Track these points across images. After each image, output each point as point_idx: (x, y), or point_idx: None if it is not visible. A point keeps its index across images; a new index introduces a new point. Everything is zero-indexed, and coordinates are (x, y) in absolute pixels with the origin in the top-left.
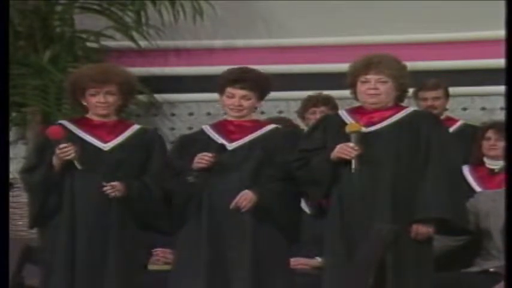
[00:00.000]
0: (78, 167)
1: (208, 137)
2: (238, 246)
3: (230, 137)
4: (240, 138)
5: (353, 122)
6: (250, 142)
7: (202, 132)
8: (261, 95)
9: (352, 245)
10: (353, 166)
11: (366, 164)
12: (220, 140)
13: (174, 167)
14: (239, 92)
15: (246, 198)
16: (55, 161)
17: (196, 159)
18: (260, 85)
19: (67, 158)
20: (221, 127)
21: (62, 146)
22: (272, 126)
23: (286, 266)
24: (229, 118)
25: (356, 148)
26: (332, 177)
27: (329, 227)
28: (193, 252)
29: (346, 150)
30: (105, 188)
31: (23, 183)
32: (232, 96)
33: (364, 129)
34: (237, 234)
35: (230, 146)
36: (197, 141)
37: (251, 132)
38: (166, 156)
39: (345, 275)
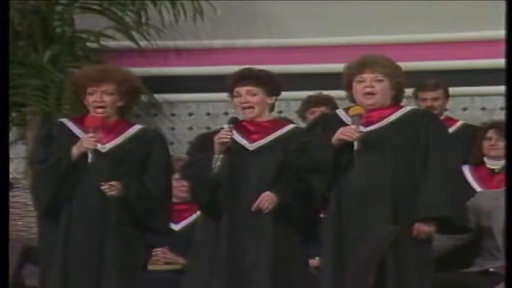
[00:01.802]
0: (90, 160)
1: None
2: (257, 247)
3: (250, 137)
4: (260, 138)
5: (357, 105)
6: (271, 142)
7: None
8: (270, 90)
9: (350, 245)
10: (355, 148)
11: (365, 164)
12: (241, 141)
13: (194, 159)
14: (243, 89)
15: (267, 199)
16: (75, 149)
17: (217, 136)
18: (264, 80)
19: (90, 147)
20: (241, 127)
21: (90, 134)
22: (292, 126)
23: (305, 266)
24: (246, 119)
25: (358, 130)
26: (334, 164)
27: (327, 227)
28: (212, 252)
29: (348, 131)
30: (103, 187)
31: (34, 174)
32: (239, 94)
33: (363, 129)
34: (257, 235)
35: (251, 147)
36: None
37: (271, 132)
38: (187, 151)
39: (341, 274)
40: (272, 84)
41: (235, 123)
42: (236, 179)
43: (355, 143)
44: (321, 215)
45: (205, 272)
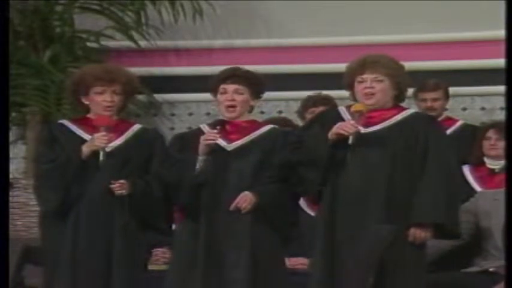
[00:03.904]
0: (101, 157)
1: None
2: (236, 247)
3: (228, 137)
4: (238, 138)
5: (359, 103)
6: (249, 143)
7: (199, 130)
8: (255, 92)
9: (341, 244)
10: (350, 142)
11: (362, 164)
12: (220, 141)
13: (175, 159)
14: (231, 87)
15: (246, 199)
16: (86, 148)
17: (203, 137)
18: (252, 80)
19: (102, 145)
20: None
21: (102, 133)
22: (270, 126)
23: (282, 266)
24: (226, 118)
25: (356, 125)
26: (330, 158)
27: (318, 225)
28: (191, 252)
29: (346, 126)
30: (113, 186)
31: (41, 175)
32: (225, 91)
33: (363, 130)
34: (236, 235)
35: (229, 147)
36: (195, 139)
37: (249, 133)
38: (165, 152)
39: (331, 272)
40: (258, 86)
41: (222, 125)
42: (215, 179)
43: (350, 138)
44: (312, 214)
45: (185, 272)
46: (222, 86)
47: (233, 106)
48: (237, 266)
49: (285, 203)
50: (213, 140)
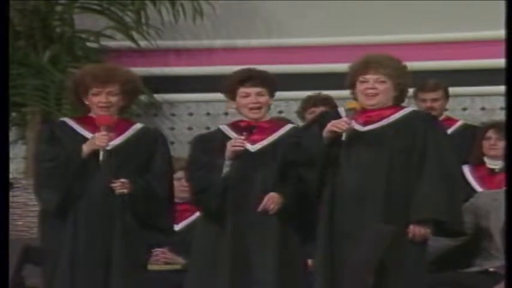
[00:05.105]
0: (101, 157)
1: (228, 137)
2: (263, 248)
3: (251, 138)
4: (261, 139)
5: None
6: (273, 143)
7: (219, 131)
8: (272, 92)
9: (342, 244)
10: (343, 138)
11: (360, 164)
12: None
13: (200, 162)
14: (253, 90)
15: (273, 200)
16: (86, 147)
17: (230, 144)
18: (269, 81)
19: (102, 145)
20: (240, 128)
21: (102, 133)
22: (290, 126)
23: (305, 267)
24: (247, 119)
25: (349, 122)
26: (327, 157)
27: (319, 226)
28: (213, 253)
29: (339, 123)
30: (114, 185)
31: (42, 173)
32: (247, 95)
33: (361, 129)
34: (262, 236)
35: (253, 148)
36: (216, 140)
37: (271, 133)
38: (190, 154)
39: (333, 273)
40: (274, 85)
41: (247, 129)
42: (240, 180)
43: (344, 134)
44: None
45: (207, 274)
46: (242, 90)
47: (259, 108)
48: (264, 267)
49: (306, 202)
50: (241, 146)
